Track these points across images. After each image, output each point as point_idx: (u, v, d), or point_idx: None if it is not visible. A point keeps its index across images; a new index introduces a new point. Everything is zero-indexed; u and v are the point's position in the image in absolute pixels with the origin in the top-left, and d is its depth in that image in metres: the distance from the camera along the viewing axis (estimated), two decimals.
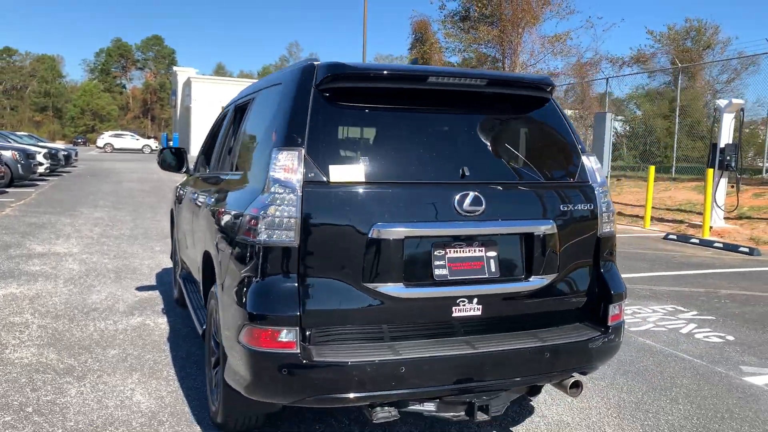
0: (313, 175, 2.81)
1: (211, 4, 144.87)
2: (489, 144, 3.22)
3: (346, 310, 2.85)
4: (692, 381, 4.57)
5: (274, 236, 2.75)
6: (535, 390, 3.30)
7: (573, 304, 3.27)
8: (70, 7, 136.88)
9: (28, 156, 18.93)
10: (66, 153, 26.77)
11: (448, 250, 2.96)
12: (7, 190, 17.05)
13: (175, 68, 62.97)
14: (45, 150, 22.69)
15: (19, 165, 18.01)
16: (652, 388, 4.41)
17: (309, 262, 2.78)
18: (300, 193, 2.76)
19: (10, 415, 3.66)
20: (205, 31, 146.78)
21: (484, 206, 2.97)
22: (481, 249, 3.02)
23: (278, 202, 2.76)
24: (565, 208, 3.18)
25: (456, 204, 2.93)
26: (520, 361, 3.01)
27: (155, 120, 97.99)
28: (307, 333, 2.80)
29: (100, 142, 55.17)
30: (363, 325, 2.90)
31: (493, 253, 3.04)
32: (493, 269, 3.03)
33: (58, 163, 24.54)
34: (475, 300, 2.98)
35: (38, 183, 20.07)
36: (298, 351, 2.73)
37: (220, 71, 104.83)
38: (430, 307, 2.96)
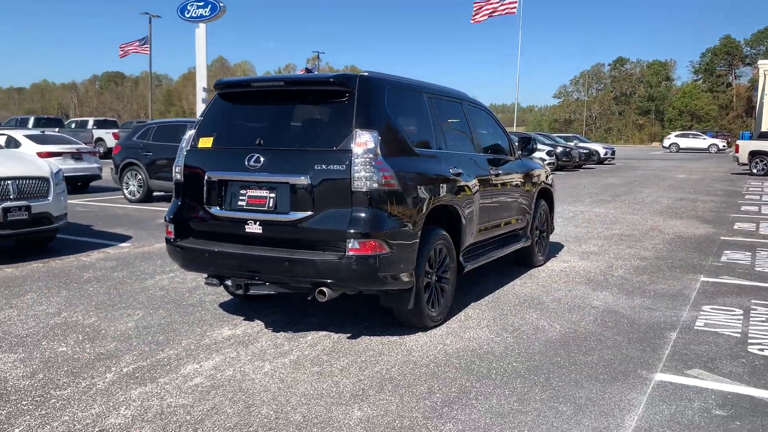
0: (193, 143, 5.09)
1: None
2: (289, 122, 4.82)
3: (198, 220, 5.03)
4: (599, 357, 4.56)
5: (176, 177, 5.18)
6: (311, 293, 4.66)
7: (334, 234, 4.50)
8: (679, 12, 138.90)
9: None
10: (587, 152, 30.07)
11: (247, 190, 4.78)
12: None
13: (759, 62, 58.57)
14: (548, 148, 26.37)
15: None
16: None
17: (185, 191, 5.09)
18: (185, 154, 5.10)
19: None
20: None
21: (262, 163, 4.67)
22: (266, 191, 4.71)
23: (179, 158, 5.16)
24: (320, 167, 4.50)
25: (246, 161, 4.73)
26: (271, 264, 4.59)
27: None
28: (187, 230, 5.10)
29: (666, 142, 56.63)
30: (208, 230, 5.02)
31: (272, 195, 4.68)
32: (270, 204, 4.68)
33: (572, 160, 27.99)
34: (257, 223, 4.71)
35: None
36: (173, 238, 5.09)
37: None
38: (234, 223, 4.84)
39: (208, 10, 31.97)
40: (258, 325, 5.24)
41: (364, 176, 4.43)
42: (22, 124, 29.26)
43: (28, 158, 8.22)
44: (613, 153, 36.14)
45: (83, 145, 16.19)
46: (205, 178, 4.95)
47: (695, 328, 5.34)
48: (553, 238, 9.81)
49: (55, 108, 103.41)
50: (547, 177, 7.85)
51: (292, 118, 5.00)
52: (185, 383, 4.04)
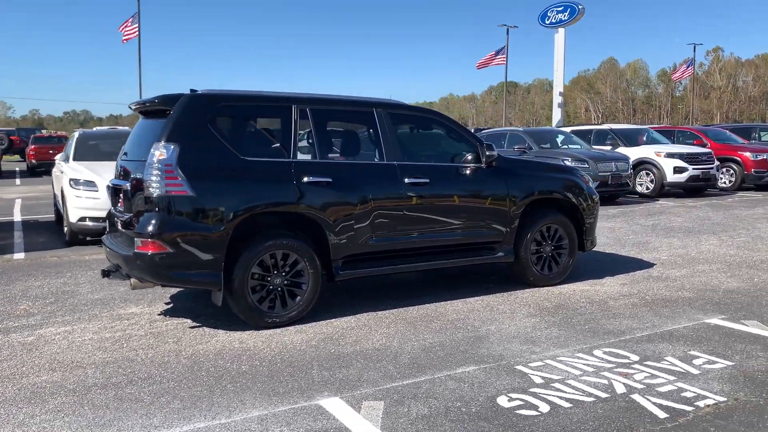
0: (120, 155, 6.35)
1: None
2: (140, 137, 5.71)
3: (110, 218, 6.21)
4: None
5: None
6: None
7: (132, 233, 5.25)
8: None
9: None
10: None
11: (121, 194, 5.82)
12: None
13: None
14: None
15: None
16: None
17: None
18: (118, 162, 6.40)
19: None
20: None
21: (119, 172, 5.70)
22: (121, 195, 5.71)
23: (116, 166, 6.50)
24: (134, 176, 5.36)
25: (117, 170, 5.81)
26: (114, 256, 5.57)
27: None
28: (109, 226, 6.35)
29: None
30: (111, 226, 6.18)
31: (123, 198, 5.66)
32: (122, 207, 5.67)
33: None
34: (120, 221, 5.75)
35: None
36: (106, 233, 6.43)
37: None
38: (115, 221, 5.94)
39: (567, 14, 33.14)
40: (168, 309, 6.20)
41: (153, 184, 5.09)
42: None
43: None
44: None
45: None
46: (110, 185, 6.20)
47: (517, 368, 4.50)
48: (673, 259, 8.36)
49: (457, 118, 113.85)
50: (568, 189, 6.90)
51: (143, 133, 5.85)
52: (22, 339, 5.31)
